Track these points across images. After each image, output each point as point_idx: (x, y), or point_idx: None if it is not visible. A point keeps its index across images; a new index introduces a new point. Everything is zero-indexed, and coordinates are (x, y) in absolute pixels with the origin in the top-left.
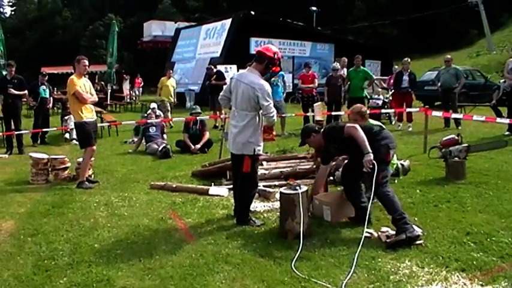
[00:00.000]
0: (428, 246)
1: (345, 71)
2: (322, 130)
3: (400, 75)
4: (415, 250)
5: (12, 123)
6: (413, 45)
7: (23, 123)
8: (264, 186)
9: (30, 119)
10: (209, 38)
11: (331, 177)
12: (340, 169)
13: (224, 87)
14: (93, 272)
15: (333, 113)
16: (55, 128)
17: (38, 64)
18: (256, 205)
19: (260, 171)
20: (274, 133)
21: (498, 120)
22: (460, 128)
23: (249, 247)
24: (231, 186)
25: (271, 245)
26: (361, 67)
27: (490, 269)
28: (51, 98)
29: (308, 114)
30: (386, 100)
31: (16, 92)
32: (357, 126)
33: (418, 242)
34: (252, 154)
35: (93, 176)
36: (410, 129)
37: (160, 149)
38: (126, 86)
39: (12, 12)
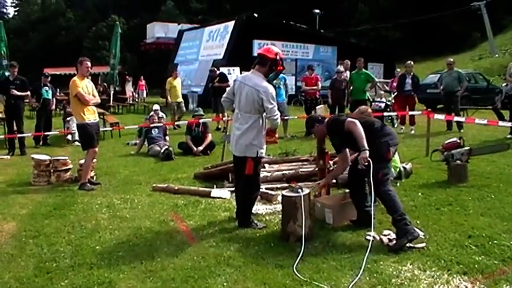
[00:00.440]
0: (430, 249)
1: (347, 74)
2: (325, 121)
3: (403, 78)
4: (417, 253)
5: (14, 124)
6: (416, 48)
7: (25, 125)
8: (266, 188)
9: (32, 120)
10: (212, 40)
11: (334, 180)
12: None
13: (227, 89)
14: (95, 275)
15: None
16: (57, 132)
17: (41, 65)
18: (258, 208)
19: (262, 174)
20: (276, 135)
21: (500, 123)
22: (462, 131)
23: (250, 250)
24: (233, 188)
25: (273, 247)
26: (364, 70)
27: (492, 272)
28: (54, 99)
29: None
30: (388, 103)
31: (18, 93)
32: (357, 121)
33: (420, 245)
34: (254, 156)
35: (95, 177)
36: (412, 132)
37: (162, 151)
38: (128, 87)
39: (16, 13)
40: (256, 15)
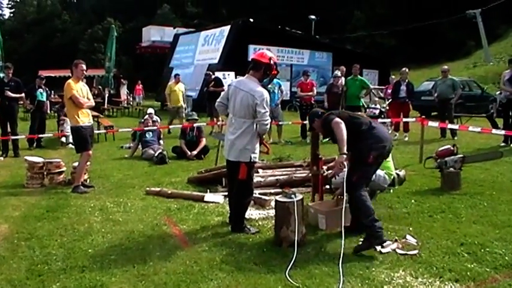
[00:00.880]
0: (422, 256)
1: (343, 80)
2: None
3: (398, 85)
4: (409, 260)
5: (8, 125)
6: (411, 56)
7: (20, 126)
8: (259, 193)
9: (26, 122)
10: (208, 45)
11: (327, 185)
12: (337, 176)
13: (222, 93)
14: (87, 278)
15: None
16: (51, 134)
17: (36, 67)
18: (252, 212)
19: (256, 179)
20: (269, 146)
21: (494, 131)
22: (456, 138)
23: (243, 255)
24: (227, 193)
25: (266, 252)
26: (359, 76)
27: (484, 279)
28: (48, 101)
29: (306, 122)
30: (383, 110)
31: (13, 95)
32: (342, 123)
33: (412, 252)
34: (248, 161)
35: (88, 180)
36: (406, 139)
37: (156, 154)
38: (123, 90)
39: (11, 15)
40: (252, 20)
